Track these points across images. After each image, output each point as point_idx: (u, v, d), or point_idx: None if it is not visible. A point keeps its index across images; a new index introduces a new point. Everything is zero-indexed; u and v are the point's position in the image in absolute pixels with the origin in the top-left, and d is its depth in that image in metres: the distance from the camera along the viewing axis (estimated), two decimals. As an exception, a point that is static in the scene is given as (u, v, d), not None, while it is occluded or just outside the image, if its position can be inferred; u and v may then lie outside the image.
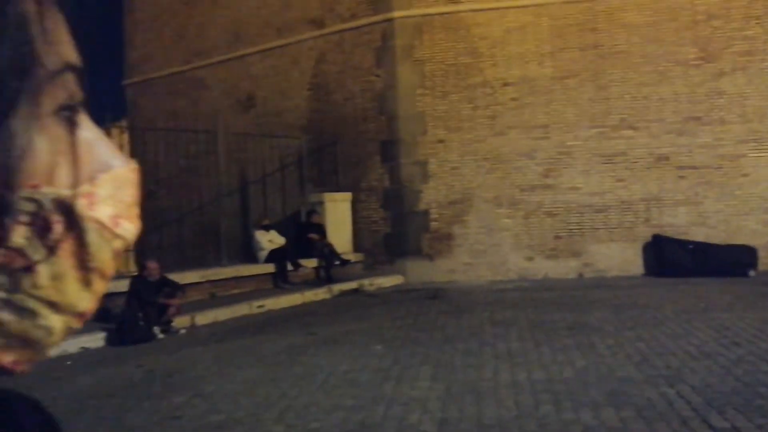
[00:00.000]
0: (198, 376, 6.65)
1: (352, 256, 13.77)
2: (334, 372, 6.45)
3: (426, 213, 13.64)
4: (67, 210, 0.36)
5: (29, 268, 0.36)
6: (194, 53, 16.96)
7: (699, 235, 12.61)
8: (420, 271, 13.45)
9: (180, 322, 9.51)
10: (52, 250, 0.36)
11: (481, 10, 13.38)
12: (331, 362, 6.85)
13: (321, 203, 13.91)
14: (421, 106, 13.66)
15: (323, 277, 12.82)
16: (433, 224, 13.61)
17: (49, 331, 0.37)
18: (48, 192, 0.35)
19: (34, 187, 0.35)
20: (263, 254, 12.59)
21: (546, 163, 13.21)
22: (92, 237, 0.38)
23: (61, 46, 0.35)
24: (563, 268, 13.07)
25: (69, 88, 0.36)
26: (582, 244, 13.11)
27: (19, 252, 0.35)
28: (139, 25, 18.42)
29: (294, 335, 8.52)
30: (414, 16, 13.64)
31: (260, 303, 10.74)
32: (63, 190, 0.36)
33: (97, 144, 0.38)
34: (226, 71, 16.34)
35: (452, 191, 13.54)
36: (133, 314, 8.84)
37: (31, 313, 0.36)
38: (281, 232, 13.14)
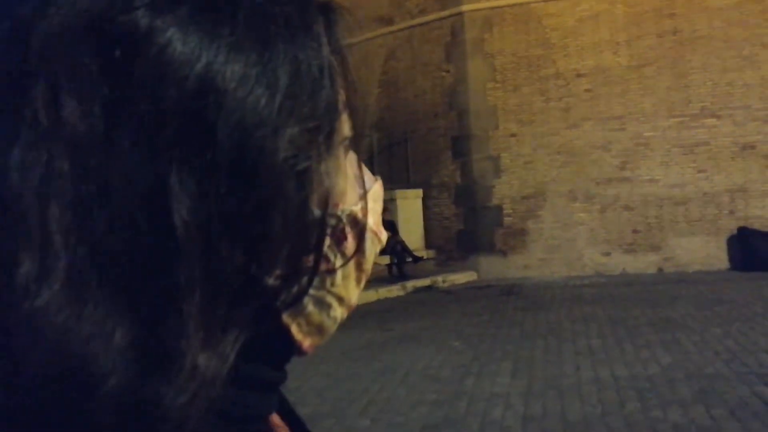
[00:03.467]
0: (281, 370, 6.81)
1: (424, 253, 13.80)
2: (414, 368, 6.49)
3: (499, 208, 13.52)
4: (356, 222, 0.45)
5: (331, 271, 0.44)
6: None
7: (789, 227, 12.07)
8: (493, 267, 13.34)
9: (259, 318, 9.76)
10: (346, 256, 0.44)
11: (552, 0, 13.16)
12: (411, 358, 6.89)
13: (392, 200, 13.96)
14: (492, 100, 13.55)
15: (396, 273, 12.89)
16: (507, 219, 13.48)
17: (335, 320, 0.46)
18: (345, 209, 0.44)
19: (336, 206, 0.43)
20: (337, 251, 12.76)
21: (622, 155, 12.89)
22: (368, 243, 0.47)
23: (344, 88, 0.42)
24: (642, 263, 12.72)
25: (348, 122, 0.43)
26: (662, 238, 12.73)
27: (325, 258, 0.43)
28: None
29: (372, 331, 8.60)
30: (483, 9, 13.53)
31: (336, 299, 10.90)
32: (353, 207, 0.45)
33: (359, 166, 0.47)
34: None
35: (525, 186, 13.38)
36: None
37: (328, 306, 0.45)
38: (354, 230, 13.27)
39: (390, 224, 13.51)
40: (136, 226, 0.34)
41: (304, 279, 0.41)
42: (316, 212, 0.40)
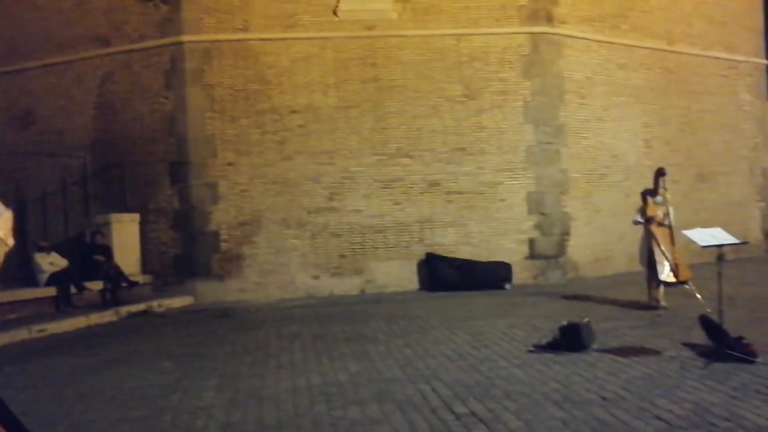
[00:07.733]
0: (-26, 402, 6.44)
1: (140, 278, 13.62)
2: (122, 388, 6.63)
3: (216, 234, 13.90)
4: None
5: None
6: (-38, 63, 15.74)
7: (465, 253, 14.18)
8: (210, 292, 13.67)
9: (-53, 351, 8.95)
10: None
11: (268, 39, 13.99)
12: (119, 380, 7.00)
13: (107, 224, 13.61)
14: (210, 129, 13.94)
15: (109, 299, 12.54)
16: (223, 245, 13.91)
17: None
18: None
19: None
20: (44, 277, 12.09)
21: (331, 187, 14.10)
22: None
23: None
24: (347, 285, 14.00)
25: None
26: (364, 262, 14.15)
27: None
28: None
29: (79, 357, 8.44)
30: (203, 42, 13.91)
31: (41, 327, 10.38)
32: None
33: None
34: (1, 85, 15.38)
35: (242, 213, 13.96)
36: None
37: None
38: (64, 254, 12.68)
39: (104, 248, 13.12)
40: None
41: None
42: None
